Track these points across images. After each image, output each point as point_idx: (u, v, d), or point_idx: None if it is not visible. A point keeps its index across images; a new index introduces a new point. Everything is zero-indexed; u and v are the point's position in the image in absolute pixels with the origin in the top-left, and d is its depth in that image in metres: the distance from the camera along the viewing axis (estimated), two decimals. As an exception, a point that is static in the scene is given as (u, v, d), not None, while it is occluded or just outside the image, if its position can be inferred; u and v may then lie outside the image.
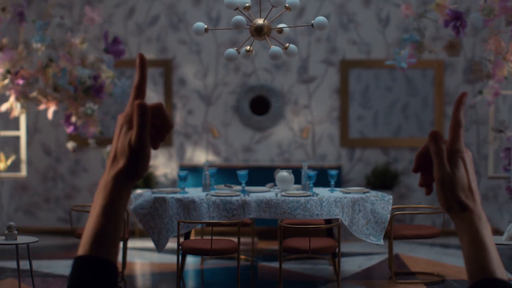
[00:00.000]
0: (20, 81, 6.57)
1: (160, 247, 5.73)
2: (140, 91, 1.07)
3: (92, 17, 6.73)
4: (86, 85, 6.52)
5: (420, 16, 6.29)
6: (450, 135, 1.08)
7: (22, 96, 6.65)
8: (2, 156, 6.89)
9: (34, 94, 6.64)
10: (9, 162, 6.97)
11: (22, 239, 5.49)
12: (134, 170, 1.05)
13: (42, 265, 6.58)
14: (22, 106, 6.73)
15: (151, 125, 1.06)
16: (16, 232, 5.48)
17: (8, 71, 6.55)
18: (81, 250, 1.03)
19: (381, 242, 5.79)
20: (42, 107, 6.76)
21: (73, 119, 6.76)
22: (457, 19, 6.00)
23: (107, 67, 6.67)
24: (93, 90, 6.56)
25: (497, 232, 7.84)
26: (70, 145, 7.22)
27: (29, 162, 8.12)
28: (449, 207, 1.08)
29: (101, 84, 6.60)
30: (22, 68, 6.58)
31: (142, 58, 1.08)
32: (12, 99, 6.65)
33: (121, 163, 1.05)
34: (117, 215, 1.05)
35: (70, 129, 6.90)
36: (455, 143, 1.07)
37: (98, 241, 1.03)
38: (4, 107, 6.73)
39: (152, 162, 8.30)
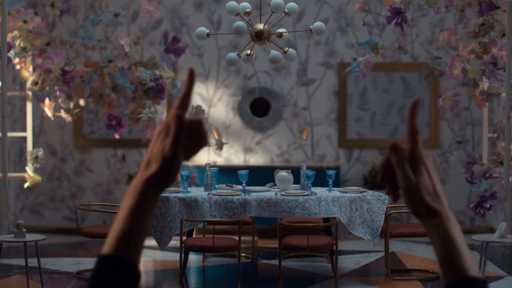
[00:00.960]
0: (70, 81, 6.40)
1: (162, 245, 5.89)
2: (183, 103, 1.10)
3: (149, 9, 6.51)
4: (147, 86, 6.37)
5: (367, 12, 6.29)
6: (408, 144, 1.10)
7: (67, 97, 6.54)
8: (36, 176, 6.81)
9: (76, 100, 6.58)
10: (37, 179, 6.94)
11: (30, 237, 5.68)
12: (164, 177, 1.07)
13: (49, 262, 6.73)
14: (68, 111, 6.60)
15: (188, 138, 1.09)
16: (24, 230, 5.66)
17: (62, 70, 6.38)
18: (105, 249, 1.05)
19: (375, 242, 5.98)
20: (105, 110, 6.60)
21: (127, 121, 6.61)
22: (398, 15, 6.05)
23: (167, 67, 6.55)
24: (154, 91, 6.39)
25: (490, 230, 8.03)
26: (120, 152, 7.16)
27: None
28: (418, 213, 1.09)
29: (162, 84, 6.43)
30: (76, 66, 6.41)
31: (192, 73, 1.11)
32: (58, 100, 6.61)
33: (152, 168, 1.07)
34: (143, 218, 1.06)
35: (119, 131, 6.76)
36: (415, 151, 1.09)
37: (122, 242, 1.05)
38: (49, 111, 6.72)
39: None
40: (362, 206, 5.97)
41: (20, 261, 6.84)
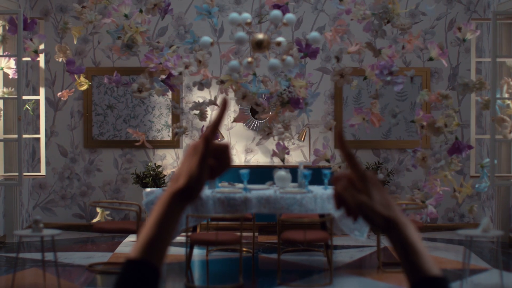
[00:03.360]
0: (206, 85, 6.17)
1: None
2: (214, 128, 1.17)
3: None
4: (285, 100, 6.10)
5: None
6: (349, 167, 1.15)
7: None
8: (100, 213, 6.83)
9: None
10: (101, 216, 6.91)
11: (47, 232, 6.05)
12: (189, 192, 1.15)
13: (62, 257, 7.02)
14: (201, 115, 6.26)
15: (214, 159, 1.18)
16: (42, 225, 6.02)
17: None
18: (133, 253, 1.12)
19: (364, 237, 6.33)
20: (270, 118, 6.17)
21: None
22: (280, 7, 5.82)
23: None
24: (292, 102, 6.10)
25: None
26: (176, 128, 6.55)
27: (47, 163, 8.65)
28: (378, 225, 1.13)
29: (297, 94, 6.15)
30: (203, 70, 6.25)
31: (225, 102, 1.19)
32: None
33: (180, 183, 1.15)
34: (168, 228, 1.13)
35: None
36: (357, 173, 1.14)
37: (148, 248, 1.12)
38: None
39: (160, 162, 8.87)
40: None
41: (34, 255, 7.22)
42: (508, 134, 6.45)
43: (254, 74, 6.04)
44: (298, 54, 6.16)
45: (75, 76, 6.40)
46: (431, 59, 6.11)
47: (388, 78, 5.80)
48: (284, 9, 5.78)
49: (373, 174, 1.15)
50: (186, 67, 6.11)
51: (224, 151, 1.19)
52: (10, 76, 6.73)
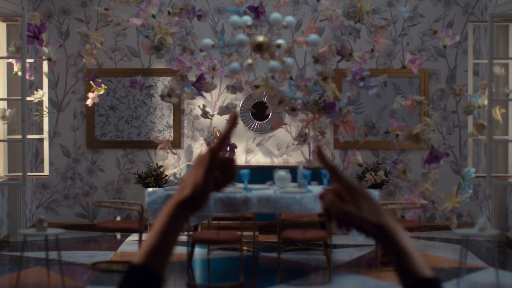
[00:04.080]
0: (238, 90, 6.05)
1: None
2: (221, 141, 1.20)
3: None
4: (321, 105, 5.93)
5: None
6: (334, 180, 1.17)
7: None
8: None
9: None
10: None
11: (51, 231, 6.16)
12: (193, 202, 1.18)
13: (65, 255, 7.08)
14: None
15: (221, 171, 1.21)
16: (46, 225, 6.13)
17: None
18: (136, 259, 1.14)
19: (361, 238, 6.44)
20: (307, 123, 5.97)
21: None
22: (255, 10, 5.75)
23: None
24: (327, 107, 5.91)
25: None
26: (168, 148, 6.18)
27: (50, 163, 8.76)
28: (369, 233, 1.14)
29: (329, 98, 5.94)
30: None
31: (235, 117, 1.21)
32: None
33: (185, 193, 1.18)
34: (172, 236, 1.16)
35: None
36: (343, 184, 1.16)
37: (151, 254, 1.14)
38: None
39: (162, 163, 8.98)
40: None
41: (36, 254, 7.32)
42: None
43: (291, 78, 5.96)
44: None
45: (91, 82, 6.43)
46: (403, 67, 6.16)
47: (361, 84, 5.69)
48: (260, 9, 5.85)
49: (359, 184, 1.17)
50: (213, 69, 6.02)
51: (229, 164, 1.22)
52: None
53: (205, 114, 6.21)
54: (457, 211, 8.91)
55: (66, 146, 9.00)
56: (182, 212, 1.17)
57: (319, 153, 1.19)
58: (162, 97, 5.90)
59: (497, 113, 6.48)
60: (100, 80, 6.45)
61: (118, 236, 7.41)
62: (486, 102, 6.41)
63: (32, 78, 6.68)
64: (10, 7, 7.76)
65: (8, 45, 7.88)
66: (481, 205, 8.79)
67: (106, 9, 6.01)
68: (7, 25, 7.94)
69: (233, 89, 6.14)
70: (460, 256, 6.22)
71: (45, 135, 7.28)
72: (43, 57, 6.34)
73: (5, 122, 6.96)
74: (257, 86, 5.90)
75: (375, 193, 6.60)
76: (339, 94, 5.89)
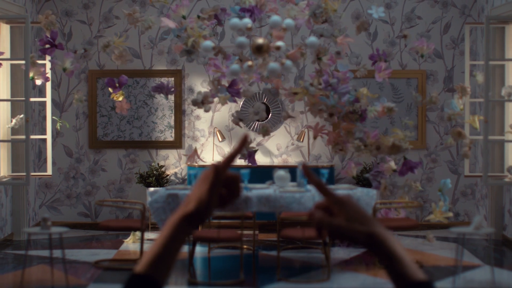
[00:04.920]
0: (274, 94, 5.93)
1: None
2: (230, 158, 1.23)
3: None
4: (358, 114, 5.86)
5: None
6: (322, 195, 1.20)
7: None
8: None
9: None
10: None
11: (55, 230, 6.26)
12: (196, 217, 1.20)
13: (68, 254, 7.14)
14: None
15: (226, 188, 1.23)
16: (50, 223, 6.23)
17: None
18: (138, 268, 1.16)
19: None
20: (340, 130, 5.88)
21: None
22: (249, 11, 5.75)
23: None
24: (363, 114, 5.88)
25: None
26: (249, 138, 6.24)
27: (53, 163, 8.85)
28: (360, 241, 1.16)
29: (361, 106, 5.94)
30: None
31: (246, 139, 1.25)
32: None
33: (189, 207, 1.21)
34: (174, 248, 1.19)
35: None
36: (331, 199, 1.19)
37: (152, 264, 1.16)
38: None
39: (163, 162, 9.09)
40: (352, 202, 6.52)
41: (40, 253, 7.41)
42: (468, 153, 6.47)
43: (332, 92, 5.82)
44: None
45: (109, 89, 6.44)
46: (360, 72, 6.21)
47: (332, 93, 5.69)
48: (256, 11, 5.94)
49: (346, 196, 1.18)
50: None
51: (234, 182, 1.24)
52: (39, 82, 6.79)
53: (237, 120, 6.15)
54: (454, 210, 9.03)
55: (68, 146, 9.09)
56: (186, 226, 1.20)
57: (305, 171, 1.21)
58: (195, 103, 5.85)
59: (476, 121, 6.50)
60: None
61: (137, 235, 7.52)
62: (462, 106, 6.43)
63: (49, 81, 6.79)
64: (14, 9, 7.86)
65: (12, 47, 8.00)
66: (477, 204, 8.90)
67: (129, 14, 6.00)
68: (11, 27, 8.03)
69: (268, 93, 6.18)
70: (456, 254, 6.33)
71: (48, 135, 7.37)
72: (59, 67, 6.42)
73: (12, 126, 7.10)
74: (295, 93, 5.83)
75: (372, 193, 6.71)
76: (366, 101, 5.82)
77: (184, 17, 6.07)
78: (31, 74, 6.63)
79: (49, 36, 6.29)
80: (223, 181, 1.22)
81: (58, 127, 7.59)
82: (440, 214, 6.02)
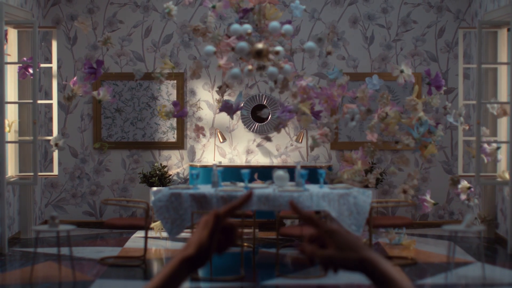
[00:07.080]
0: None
1: (172, 235, 6.55)
2: (230, 210, 1.28)
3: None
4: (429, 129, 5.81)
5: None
6: (312, 226, 1.24)
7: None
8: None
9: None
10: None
11: (62, 228, 6.48)
12: (196, 260, 1.25)
13: (74, 251, 7.31)
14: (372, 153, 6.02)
15: (224, 235, 1.29)
16: (57, 221, 6.45)
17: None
18: None
19: (360, 233, 6.76)
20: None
21: None
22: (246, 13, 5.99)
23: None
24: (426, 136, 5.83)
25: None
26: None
27: (59, 163, 9.06)
28: (354, 269, 1.20)
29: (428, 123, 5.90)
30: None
31: (250, 195, 1.30)
32: None
33: (189, 250, 1.25)
34: (173, 286, 1.25)
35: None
36: (321, 230, 1.22)
37: None
38: None
39: (166, 163, 9.32)
40: (349, 201, 6.61)
41: (46, 250, 7.63)
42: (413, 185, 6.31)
43: (417, 124, 5.98)
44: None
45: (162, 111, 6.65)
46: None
47: (282, 115, 6.03)
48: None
49: (335, 226, 1.22)
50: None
51: (232, 230, 1.30)
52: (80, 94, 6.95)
53: (266, 138, 6.55)
54: (448, 209, 9.27)
55: (74, 147, 9.30)
56: (184, 267, 1.25)
57: (293, 207, 1.27)
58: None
59: (431, 149, 6.25)
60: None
61: (159, 225, 7.79)
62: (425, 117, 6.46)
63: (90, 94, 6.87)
64: (21, 14, 8.07)
65: (19, 51, 8.23)
66: (470, 204, 9.12)
67: (196, 29, 6.15)
68: (18, 32, 8.26)
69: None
70: (448, 251, 6.58)
71: (54, 136, 7.60)
72: (95, 97, 6.68)
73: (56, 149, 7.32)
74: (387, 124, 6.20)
75: (368, 192, 6.93)
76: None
77: (214, 7, 6.34)
78: (74, 90, 6.76)
79: (94, 64, 6.53)
80: (221, 229, 1.28)
81: (97, 146, 7.84)
82: (432, 149, 6.13)
